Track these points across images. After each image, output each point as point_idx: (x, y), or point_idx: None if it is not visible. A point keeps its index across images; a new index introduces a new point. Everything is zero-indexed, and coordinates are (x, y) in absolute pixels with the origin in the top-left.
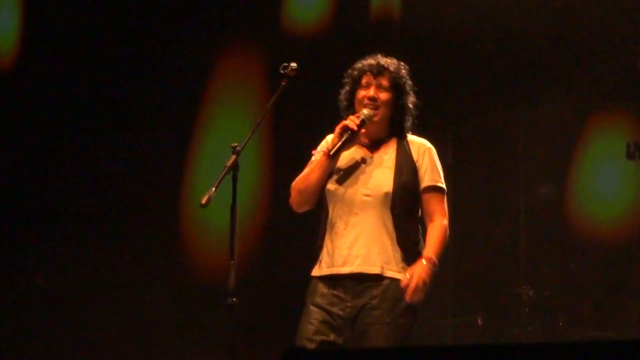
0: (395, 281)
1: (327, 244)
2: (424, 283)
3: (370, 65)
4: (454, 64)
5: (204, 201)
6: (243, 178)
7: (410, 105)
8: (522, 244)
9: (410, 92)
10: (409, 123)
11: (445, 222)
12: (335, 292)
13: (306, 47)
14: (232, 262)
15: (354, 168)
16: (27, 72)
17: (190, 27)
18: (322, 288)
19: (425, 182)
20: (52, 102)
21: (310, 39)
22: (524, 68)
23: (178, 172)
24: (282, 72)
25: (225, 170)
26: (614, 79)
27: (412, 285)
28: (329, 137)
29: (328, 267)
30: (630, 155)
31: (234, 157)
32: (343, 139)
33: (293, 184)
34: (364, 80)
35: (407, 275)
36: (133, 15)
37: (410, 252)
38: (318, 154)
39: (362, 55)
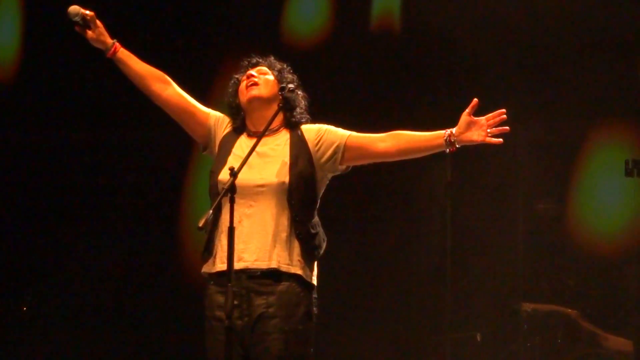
0: (292, 280)
1: (222, 238)
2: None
3: (246, 61)
4: (454, 77)
5: (201, 224)
6: None
7: (300, 93)
8: (521, 260)
9: (295, 81)
10: (301, 113)
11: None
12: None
13: (306, 60)
14: (229, 284)
15: (245, 158)
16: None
17: (189, 40)
18: (218, 297)
19: (343, 136)
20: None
21: (310, 51)
22: (521, 81)
23: (178, 187)
24: (280, 93)
25: (222, 192)
26: (614, 95)
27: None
28: None
29: (222, 263)
30: (628, 173)
31: (231, 179)
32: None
33: None
34: (242, 78)
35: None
36: (135, 26)
37: (307, 244)
38: None
39: (363, 66)
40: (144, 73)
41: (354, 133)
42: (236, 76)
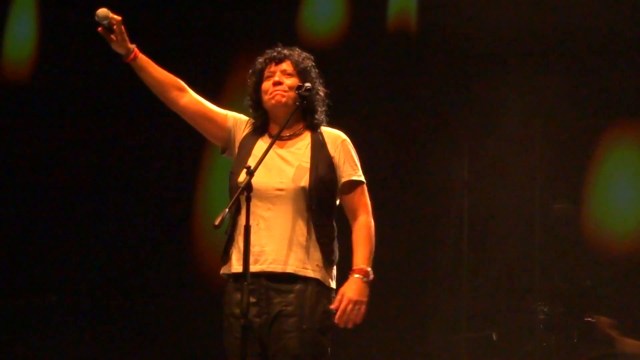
0: (311, 282)
1: (239, 240)
2: (356, 303)
3: (270, 55)
4: (470, 76)
5: (217, 222)
6: None
7: (321, 94)
8: (537, 260)
9: (318, 81)
10: (322, 115)
11: (370, 218)
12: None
13: (321, 59)
14: (245, 283)
15: (266, 161)
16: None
17: (204, 40)
18: (237, 294)
19: (343, 177)
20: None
21: (326, 51)
22: (538, 80)
23: (191, 187)
24: (297, 92)
25: (239, 191)
26: (633, 93)
27: (342, 308)
28: None
29: (239, 265)
30: None
31: (247, 177)
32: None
33: None
34: (266, 72)
35: (339, 298)
36: (150, 26)
37: (326, 249)
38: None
39: (378, 66)
40: (162, 80)
41: (350, 181)
42: (260, 60)
